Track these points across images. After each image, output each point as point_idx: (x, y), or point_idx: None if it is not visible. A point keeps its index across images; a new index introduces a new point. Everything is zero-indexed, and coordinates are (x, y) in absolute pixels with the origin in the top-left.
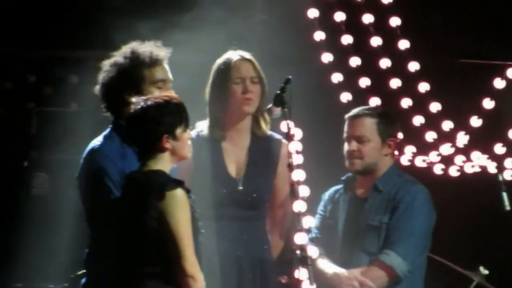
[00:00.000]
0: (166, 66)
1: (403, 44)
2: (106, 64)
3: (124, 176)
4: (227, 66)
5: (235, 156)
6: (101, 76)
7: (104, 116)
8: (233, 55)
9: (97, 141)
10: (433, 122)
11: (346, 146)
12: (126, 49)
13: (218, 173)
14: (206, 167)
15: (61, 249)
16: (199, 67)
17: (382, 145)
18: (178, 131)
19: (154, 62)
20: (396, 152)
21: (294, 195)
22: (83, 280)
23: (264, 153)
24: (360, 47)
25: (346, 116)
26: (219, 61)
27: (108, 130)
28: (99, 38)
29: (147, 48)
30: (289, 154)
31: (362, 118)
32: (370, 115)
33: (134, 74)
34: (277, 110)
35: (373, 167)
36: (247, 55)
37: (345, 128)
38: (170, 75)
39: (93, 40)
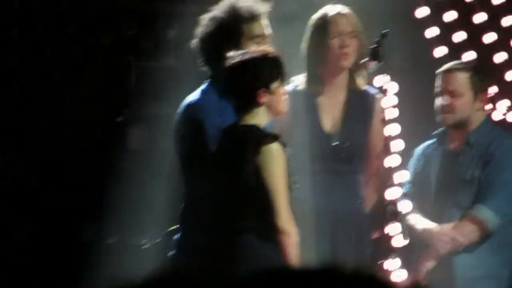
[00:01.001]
0: (266, 21)
1: None
2: (205, 19)
3: (221, 130)
4: (325, 21)
5: (330, 111)
6: (200, 31)
7: (202, 71)
8: (331, 9)
9: (194, 96)
10: None
11: (438, 100)
12: (225, 3)
13: (313, 128)
14: (302, 121)
15: (157, 205)
16: (296, 21)
17: (474, 100)
18: (274, 85)
19: (253, 17)
20: (490, 106)
21: (388, 149)
22: (176, 236)
23: (359, 108)
24: (455, 1)
25: (439, 70)
26: (317, 15)
27: (205, 84)
28: None
29: (246, 2)
30: (384, 109)
31: (455, 72)
32: (463, 69)
33: (233, 29)
34: (373, 64)
35: (465, 122)
36: (344, 9)
37: (438, 82)
38: (268, 30)
39: None
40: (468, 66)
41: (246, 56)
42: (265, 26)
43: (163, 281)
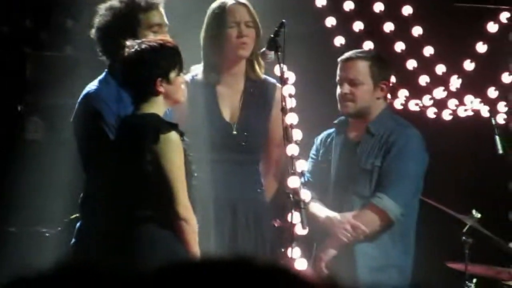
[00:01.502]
0: (162, 10)
1: None
2: (102, 8)
3: (119, 119)
4: (222, 10)
5: (229, 100)
6: (97, 20)
7: (100, 60)
8: None
9: (92, 85)
10: (426, 66)
11: (338, 89)
12: None
13: (212, 117)
14: (201, 111)
15: (55, 194)
16: (193, 11)
17: (374, 88)
18: (172, 74)
19: (150, 6)
20: (389, 96)
21: (287, 138)
22: (78, 224)
23: (258, 97)
24: None
25: (339, 59)
26: (214, 5)
27: (103, 74)
28: None
29: None
30: (283, 98)
31: (355, 60)
32: (363, 58)
33: (130, 18)
34: (271, 54)
35: (365, 111)
36: None
37: (338, 71)
38: (165, 19)
39: None
40: (368, 55)
41: (143, 45)
42: (161, 15)
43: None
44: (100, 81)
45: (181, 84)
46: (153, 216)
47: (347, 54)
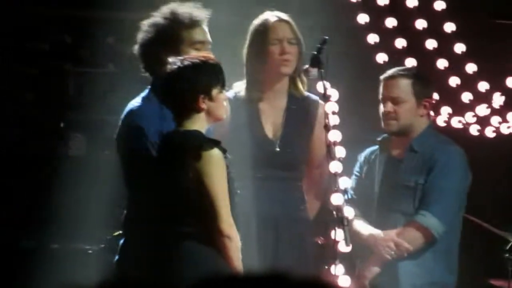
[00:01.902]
0: (205, 28)
1: (439, 5)
2: (145, 24)
3: (161, 137)
4: (265, 27)
5: (272, 117)
6: (140, 36)
7: (142, 77)
8: (270, 15)
9: (135, 102)
10: (469, 83)
11: (381, 107)
12: (165, 9)
13: (255, 134)
14: (243, 127)
15: (98, 211)
16: (237, 27)
17: (417, 106)
18: (214, 91)
19: (193, 23)
20: (432, 113)
21: (330, 156)
22: (121, 241)
23: (301, 114)
24: (396, 7)
25: (382, 77)
26: (256, 21)
27: (146, 91)
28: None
29: (186, 9)
30: (326, 115)
31: (397, 79)
32: (405, 76)
33: (173, 35)
34: (314, 71)
35: (408, 128)
36: (284, 16)
37: (381, 89)
38: (208, 37)
39: (131, 1)
40: (410, 72)
41: (185, 62)
42: (205, 32)
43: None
44: (142, 98)
45: (223, 101)
46: (195, 233)
47: (389, 72)
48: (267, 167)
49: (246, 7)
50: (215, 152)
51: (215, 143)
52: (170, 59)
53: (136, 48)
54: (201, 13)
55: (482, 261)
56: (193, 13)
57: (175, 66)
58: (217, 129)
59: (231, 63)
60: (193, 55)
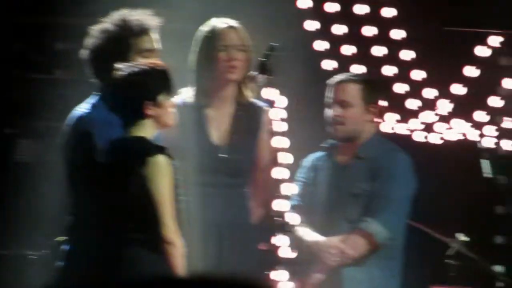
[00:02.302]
0: (155, 36)
1: (388, 12)
2: (95, 30)
3: (108, 143)
4: (213, 34)
5: (219, 123)
6: (89, 42)
7: (90, 83)
8: (219, 22)
9: (82, 108)
10: (416, 89)
11: (328, 111)
12: (116, 16)
13: (201, 140)
14: (190, 133)
15: (44, 216)
16: (185, 34)
17: (364, 111)
18: (161, 98)
19: (143, 31)
20: (379, 120)
21: (276, 162)
22: (65, 247)
23: (248, 121)
24: (345, 14)
25: (330, 81)
26: (204, 28)
27: (93, 96)
28: (86, 5)
29: (137, 16)
30: (272, 121)
31: (346, 83)
32: (354, 81)
33: (122, 42)
34: (261, 78)
35: (355, 134)
36: (232, 22)
37: (329, 93)
38: (157, 45)
39: (80, 7)
40: (359, 78)
41: (133, 69)
42: (154, 40)
43: None
44: (90, 104)
45: (170, 108)
46: (140, 239)
47: (338, 77)
48: (214, 173)
49: (198, 15)
50: (162, 158)
51: (162, 150)
52: (118, 66)
53: (85, 53)
54: (152, 21)
55: (426, 267)
56: (143, 21)
57: (123, 73)
58: (165, 135)
59: (179, 69)
60: (141, 62)
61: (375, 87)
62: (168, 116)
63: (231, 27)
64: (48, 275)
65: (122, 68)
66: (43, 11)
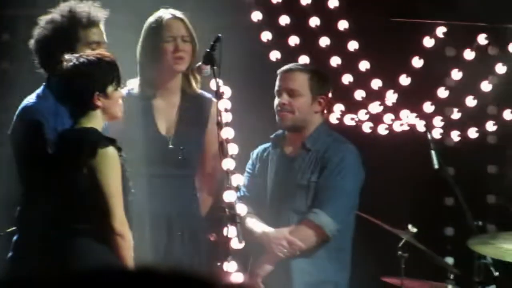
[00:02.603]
0: (102, 28)
1: (333, 3)
2: (42, 20)
3: (56, 134)
4: (159, 25)
5: (165, 114)
6: (37, 32)
7: (37, 74)
8: (165, 13)
9: (30, 99)
10: (362, 80)
11: (276, 100)
12: (64, 7)
13: (148, 131)
14: (137, 125)
15: None
16: (131, 25)
17: (312, 102)
18: (110, 89)
19: (91, 23)
20: (326, 111)
21: (223, 153)
22: (14, 238)
23: (194, 111)
24: (290, 5)
25: (279, 70)
26: (151, 19)
27: (41, 87)
28: None
29: (85, 8)
30: (218, 112)
31: (295, 72)
32: (303, 71)
33: (70, 33)
34: (207, 68)
35: (302, 124)
36: (178, 13)
37: (277, 81)
38: (104, 37)
39: None
40: (308, 68)
41: (81, 59)
42: (101, 32)
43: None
44: (37, 95)
45: (119, 99)
46: (89, 231)
47: (287, 66)
48: (161, 164)
49: (145, 6)
50: (110, 150)
51: (111, 141)
52: (66, 56)
53: (32, 43)
54: (99, 13)
55: (376, 259)
56: (91, 13)
57: (71, 63)
58: (111, 126)
59: (126, 60)
60: (89, 53)
61: (323, 78)
62: (117, 107)
63: (177, 18)
64: None
65: (70, 58)
66: None
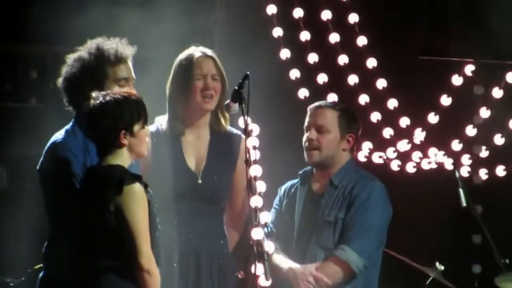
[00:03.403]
0: (130, 64)
1: (361, 41)
2: (71, 58)
3: (85, 170)
4: (189, 62)
5: (195, 150)
6: (65, 70)
7: (66, 111)
8: (195, 51)
9: (59, 135)
10: (390, 118)
11: (305, 136)
12: (91, 44)
13: (177, 167)
14: (166, 160)
15: (20, 244)
16: (161, 63)
17: (341, 139)
18: (136, 127)
19: (119, 60)
20: (354, 149)
21: (251, 190)
22: (40, 275)
23: (223, 148)
24: (318, 43)
25: (309, 106)
26: (181, 56)
27: (70, 124)
28: (60, 34)
29: (112, 45)
30: (246, 150)
31: (324, 109)
32: (333, 108)
33: (98, 70)
34: (235, 106)
35: (330, 161)
36: (209, 51)
37: (307, 118)
38: (133, 74)
39: (54, 36)
40: (338, 105)
41: (108, 97)
42: (129, 69)
43: None
44: (67, 131)
45: (145, 137)
46: (116, 267)
47: (317, 103)
48: (189, 200)
49: (173, 43)
50: (137, 187)
51: (136, 178)
52: (93, 94)
53: (60, 81)
54: (127, 50)
55: None
56: (119, 50)
57: (98, 102)
58: (140, 163)
59: (155, 97)
60: (116, 91)
61: (352, 116)
62: (143, 145)
63: (207, 56)
64: None
65: (97, 96)
66: (18, 39)
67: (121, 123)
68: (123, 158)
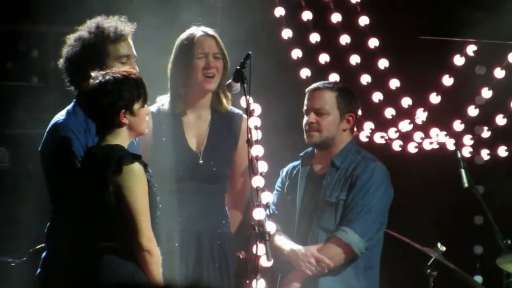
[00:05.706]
0: (131, 42)
1: (363, 21)
2: (71, 38)
3: (85, 150)
4: (190, 42)
5: (196, 130)
6: (66, 50)
7: (66, 91)
8: (197, 30)
9: (60, 115)
10: (392, 98)
11: (305, 119)
12: (91, 23)
13: (178, 147)
14: (167, 140)
15: (21, 223)
16: (161, 42)
17: (340, 120)
18: (136, 106)
19: (119, 37)
20: (355, 129)
21: (252, 170)
22: (43, 254)
23: (224, 128)
24: (320, 23)
25: (307, 89)
26: (183, 36)
27: (71, 104)
28: (61, 13)
29: (112, 23)
30: (248, 130)
31: (322, 91)
32: (330, 89)
33: (99, 49)
34: (237, 86)
35: (330, 142)
36: (210, 31)
37: (305, 101)
38: (134, 51)
39: (55, 15)
40: (335, 86)
41: (107, 77)
42: (130, 46)
43: None
44: (68, 111)
45: (145, 116)
46: (116, 247)
47: (314, 85)
48: (190, 180)
49: (173, 21)
50: (136, 166)
51: (136, 158)
52: (93, 74)
53: (61, 61)
54: (126, 27)
55: (404, 277)
56: (118, 27)
57: (97, 81)
58: (140, 142)
59: (156, 77)
60: (115, 70)
61: (351, 96)
62: (143, 124)
63: (208, 35)
64: (26, 282)
65: (97, 76)
66: (19, 19)
67: (121, 102)
68: (123, 138)
